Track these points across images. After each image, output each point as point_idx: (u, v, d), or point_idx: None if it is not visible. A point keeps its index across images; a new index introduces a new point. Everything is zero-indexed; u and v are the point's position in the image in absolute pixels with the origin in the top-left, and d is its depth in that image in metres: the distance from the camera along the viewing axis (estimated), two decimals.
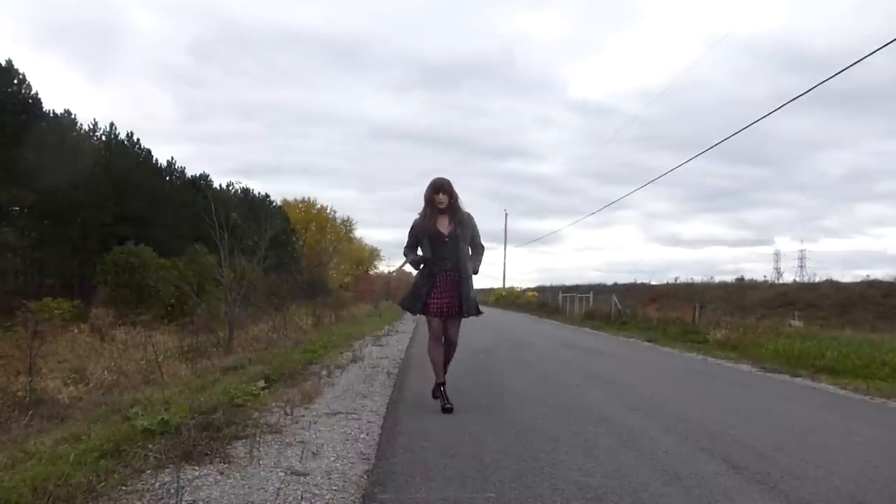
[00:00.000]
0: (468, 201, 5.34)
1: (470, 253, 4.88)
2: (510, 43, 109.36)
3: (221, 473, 2.86)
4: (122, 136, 37.53)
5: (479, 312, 4.83)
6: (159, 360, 8.25)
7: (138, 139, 37.98)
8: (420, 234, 4.75)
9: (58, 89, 70.45)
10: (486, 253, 5.12)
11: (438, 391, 4.78)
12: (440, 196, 4.65)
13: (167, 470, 2.84)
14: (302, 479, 2.85)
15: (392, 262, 57.69)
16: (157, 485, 2.66)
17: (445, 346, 4.84)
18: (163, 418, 3.57)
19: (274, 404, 4.54)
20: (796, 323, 19.07)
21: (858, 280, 36.06)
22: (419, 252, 4.84)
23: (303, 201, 54.55)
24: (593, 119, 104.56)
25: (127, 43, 76.94)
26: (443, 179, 4.70)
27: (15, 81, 30.05)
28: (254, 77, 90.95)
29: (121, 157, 35.38)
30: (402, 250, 4.95)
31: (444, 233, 4.67)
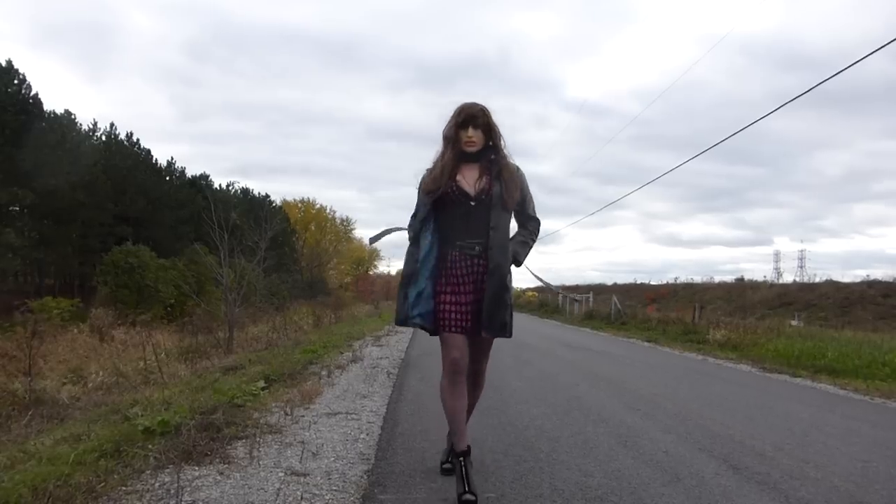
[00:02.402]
0: None
1: (513, 231, 2.96)
2: (506, 43, 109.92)
3: (221, 473, 2.86)
4: (122, 136, 37.56)
5: (510, 333, 2.80)
6: (159, 360, 8.25)
7: (138, 139, 38.13)
8: (430, 194, 2.79)
9: (57, 89, 70.56)
10: None
11: (457, 463, 2.71)
12: (470, 132, 2.76)
13: (167, 470, 2.84)
14: (302, 479, 2.85)
15: (392, 262, 57.71)
16: (157, 485, 2.66)
17: (470, 382, 2.89)
18: (163, 418, 3.57)
19: (274, 404, 4.54)
20: (796, 323, 19.08)
21: (858, 280, 36.10)
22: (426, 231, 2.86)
23: (302, 201, 54.64)
24: (591, 119, 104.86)
25: (124, 43, 77.06)
26: (476, 105, 2.81)
27: (15, 81, 30.09)
28: (250, 77, 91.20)
29: (121, 157, 35.40)
30: (403, 249, 2.98)
31: (470, 192, 2.75)
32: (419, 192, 2.86)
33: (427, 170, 2.89)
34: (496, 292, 2.71)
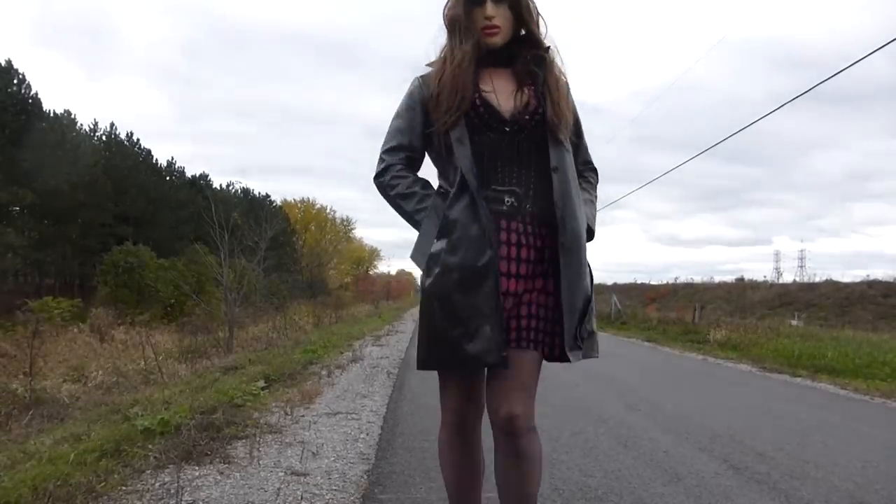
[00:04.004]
0: None
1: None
2: None
3: (221, 473, 2.86)
4: (122, 136, 37.58)
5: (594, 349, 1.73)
6: (159, 360, 8.26)
7: (138, 139, 38.14)
8: (437, 114, 1.63)
9: (57, 89, 70.64)
10: None
11: None
12: (488, 10, 1.61)
13: (167, 470, 2.84)
14: (302, 479, 2.85)
15: (392, 262, 57.79)
16: (157, 485, 2.66)
17: (502, 454, 1.65)
18: (163, 418, 3.57)
19: (274, 404, 4.54)
20: (796, 323, 19.08)
21: (858, 280, 36.13)
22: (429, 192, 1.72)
23: (302, 201, 54.65)
24: (589, 119, 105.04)
25: (124, 43, 77.13)
26: None
27: (15, 81, 30.09)
28: (250, 77, 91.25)
29: (121, 157, 35.41)
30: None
31: (504, 110, 1.63)
32: (405, 111, 1.70)
33: (427, 66, 1.71)
34: (576, 282, 1.59)
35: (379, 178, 1.71)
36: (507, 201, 1.61)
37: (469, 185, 1.57)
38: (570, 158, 1.66)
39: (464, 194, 1.58)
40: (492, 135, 1.61)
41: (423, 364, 1.62)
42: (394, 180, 1.69)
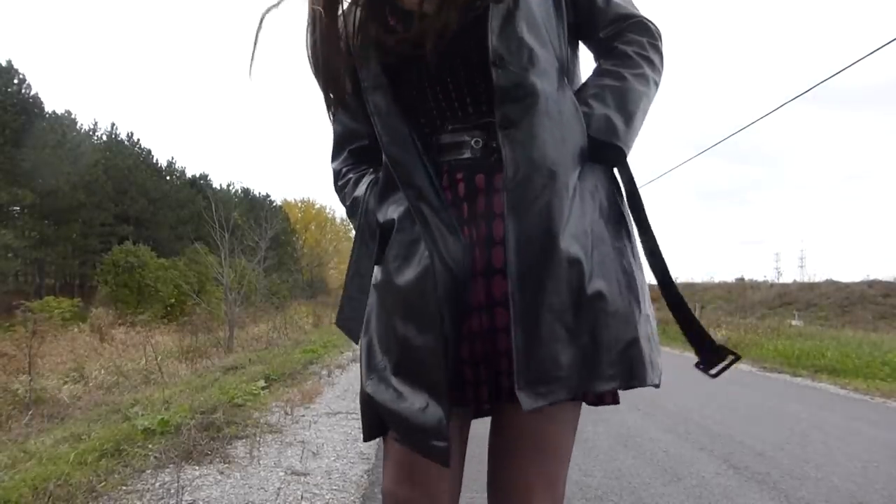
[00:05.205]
0: None
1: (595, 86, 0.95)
2: None
3: (221, 473, 2.86)
4: (123, 136, 37.65)
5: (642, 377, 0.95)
6: (159, 360, 8.26)
7: (138, 139, 38.20)
8: (324, 65, 0.97)
9: (57, 89, 70.71)
10: None
11: None
12: None
13: (167, 470, 2.84)
14: (302, 478, 2.85)
15: None
16: (157, 485, 2.66)
17: None
18: (163, 418, 3.57)
19: (274, 404, 4.55)
20: (796, 323, 19.08)
21: (858, 280, 36.12)
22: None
23: (302, 201, 54.65)
24: None
25: (124, 42, 77.21)
26: None
27: (15, 81, 30.11)
28: (251, 76, 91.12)
29: (121, 157, 35.46)
30: None
31: (433, 22, 0.85)
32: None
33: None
34: (536, 256, 0.84)
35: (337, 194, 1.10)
36: (476, 143, 0.91)
37: (394, 176, 0.92)
38: (531, 37, 0.87)
39: (392, 192, 0.96)
40: (431, 60, 0.89)
41: (367, 431, 1.03)
42: (339, 192, 1.08)
